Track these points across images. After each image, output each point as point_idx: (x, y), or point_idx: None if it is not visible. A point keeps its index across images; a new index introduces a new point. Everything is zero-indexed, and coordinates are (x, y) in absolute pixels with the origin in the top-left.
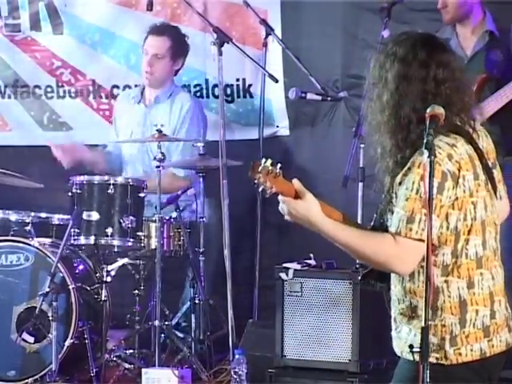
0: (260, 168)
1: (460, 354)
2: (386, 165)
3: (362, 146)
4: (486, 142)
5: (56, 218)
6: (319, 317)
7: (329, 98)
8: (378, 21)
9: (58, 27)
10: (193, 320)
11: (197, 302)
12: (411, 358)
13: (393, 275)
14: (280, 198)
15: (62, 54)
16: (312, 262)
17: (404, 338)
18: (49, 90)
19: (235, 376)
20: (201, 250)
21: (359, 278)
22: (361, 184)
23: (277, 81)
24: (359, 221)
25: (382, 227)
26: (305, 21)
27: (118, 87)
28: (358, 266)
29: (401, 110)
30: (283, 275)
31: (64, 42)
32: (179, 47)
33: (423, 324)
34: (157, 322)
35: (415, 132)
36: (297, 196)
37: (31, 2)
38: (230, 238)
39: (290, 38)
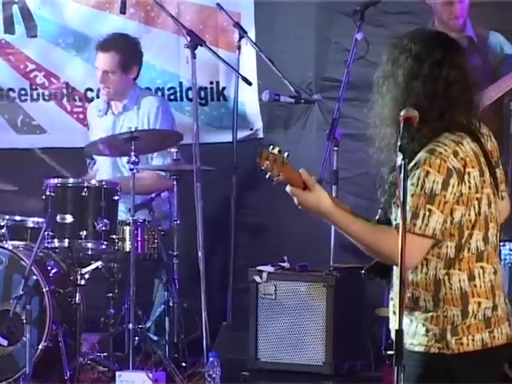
0: (267, 154)
1: (462, 344)
2: (383, 158)
3: (336, 148)
4: (490, 142)
5: (30, 221)
6: (293, 319)
7: (302, 101)
8: (351, 24)
9: (32, 30)
10: (167, 323)
11: (171, 304)
12: (416, 350)
13: (395, 268)
14: (288, 189)
15: (36, 57)
16: (286, 264)
17: (405, 330)
18: (22, 92)
19: (209, 379)
20: (175, 253)
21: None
22: (334, 187)
23: (250, 83)
24: None
25: (386, 221)
26: (278, 24)
27: (91, 90)
28: (331, 268)
29: (406, 106)
30: (257, 278)
31: (38, 45)
32: (129, 57)
33: (397, 326)
34: (131, 325)
35: (416, 129)
36: (305, 187)
37: (5, 5)
38: (203, 240)
39: (264, 40)
